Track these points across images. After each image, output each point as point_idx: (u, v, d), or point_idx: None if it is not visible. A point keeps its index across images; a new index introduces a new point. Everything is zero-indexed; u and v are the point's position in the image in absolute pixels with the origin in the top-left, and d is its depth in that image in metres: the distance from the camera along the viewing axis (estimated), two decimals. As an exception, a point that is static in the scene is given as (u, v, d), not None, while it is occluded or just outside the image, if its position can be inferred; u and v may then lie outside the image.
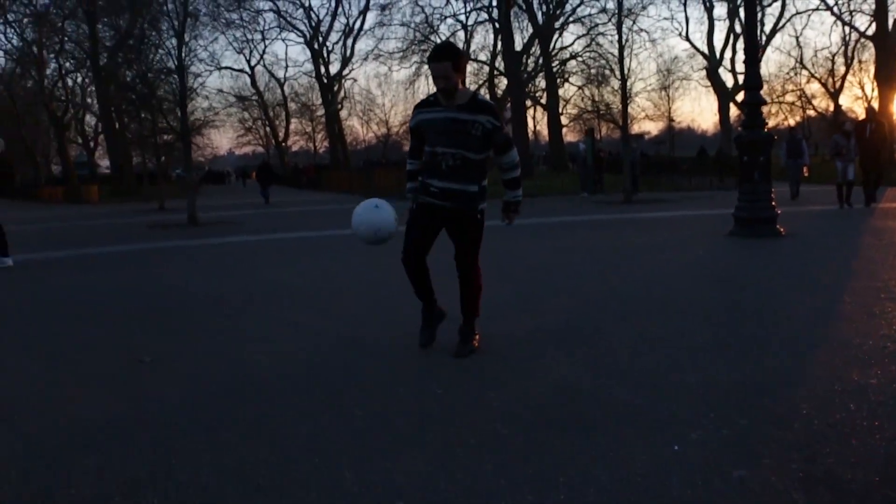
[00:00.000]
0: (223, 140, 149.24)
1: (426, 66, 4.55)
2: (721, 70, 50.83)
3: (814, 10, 53.18)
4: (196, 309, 6.35)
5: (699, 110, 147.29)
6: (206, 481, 2.79)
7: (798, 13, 51.90)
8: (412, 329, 5.03)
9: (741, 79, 50.78)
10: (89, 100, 49.26)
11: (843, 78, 50.32)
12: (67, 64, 46.71)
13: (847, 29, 47.20)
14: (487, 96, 55.23)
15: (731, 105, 50.34)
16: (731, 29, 50.23)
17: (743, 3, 11.04)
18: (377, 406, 3.55)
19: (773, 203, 10.49)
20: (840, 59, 49.77)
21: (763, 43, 46.77)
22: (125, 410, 3.65)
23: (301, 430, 3.27)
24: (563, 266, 8.05)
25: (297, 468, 2.87)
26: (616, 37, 21.66)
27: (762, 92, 10.61)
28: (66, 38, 39.81)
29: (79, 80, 49.47)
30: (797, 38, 72.63)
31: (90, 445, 3.19)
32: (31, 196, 46.80)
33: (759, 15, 47.09)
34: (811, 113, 54.07)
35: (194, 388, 3.98)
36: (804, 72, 50.41)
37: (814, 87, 52.23)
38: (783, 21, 47.49)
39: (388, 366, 4.26)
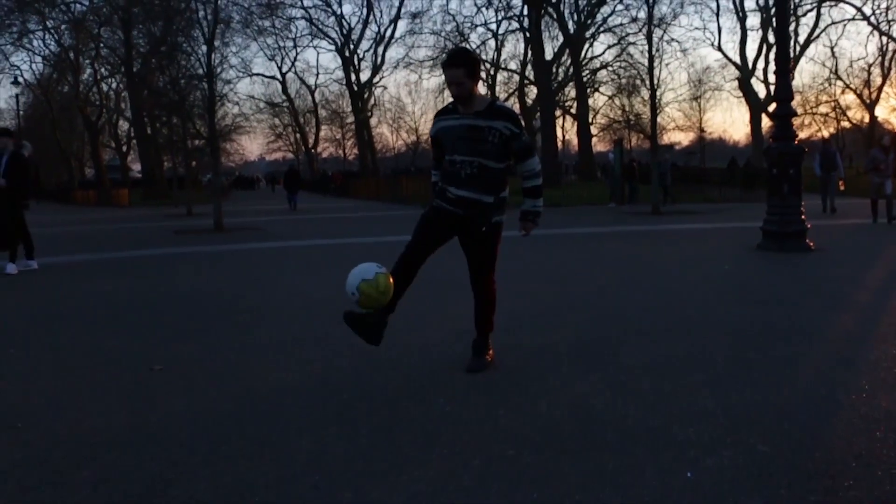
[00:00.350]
0: (254, 146, 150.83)
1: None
2: (753, 81, 50.31)
3: (850, 20, 52.38)
4: (213, 316, 6.31)
5: (731, 121, 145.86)
6: (202, 497, 2.72)
7: (833, 23, 51.14)
8: (427, 341, 4.95)
9: (773, 90, 49.97)
10: (123, 105, 49.89)
11: (880, 89, 49.54)
12: (103, 70, 47.40)
13: (884, 39, 46.50)
14: (517, 106, 55.22)
15: (764, 116, 49.78)
16: (763, 39, 49.68)
17: (774, 14, 10.90)
18: (383, 421, 3.46)
19: (803, 217, 10.28)
20: (876, 70, 49.02)
21: (797, 53, 46.18)
22: (130, 421, 3.59)
23: (304, 445, 3.19)
24: (584, 278, 7.91)
25: (296, 486, 2.79)
26: (646, 47, 21.52)
27: (795, 103, 10.40)
28: (101, 45, 40.36)
29: (113, 85, 50.15)
30: (832, 48, 71.43)
31: (90, 457, 3.13)
32: (65, 199, 47.53)
33: (794, 25, 46.60)
34: (845, 124, 53.26)
35: (202, 399, 3.92)
36: (839, 82, 49.72)
37: (849, 98, 51.48)
38: (818, 31, 46.86)
39: (399, 379, 4.17)
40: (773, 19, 47.33)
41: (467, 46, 41.74)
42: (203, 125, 18.74)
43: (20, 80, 45.04)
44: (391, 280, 3.95)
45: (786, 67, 10.31)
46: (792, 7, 45.91)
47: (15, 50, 45.07)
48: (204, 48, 18.23)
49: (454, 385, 3.99)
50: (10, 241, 9.53)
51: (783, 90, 10.23)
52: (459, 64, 4.03)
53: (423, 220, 4.25)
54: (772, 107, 40.29)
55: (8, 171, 9.38)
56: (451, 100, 4.23)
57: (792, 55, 47.23)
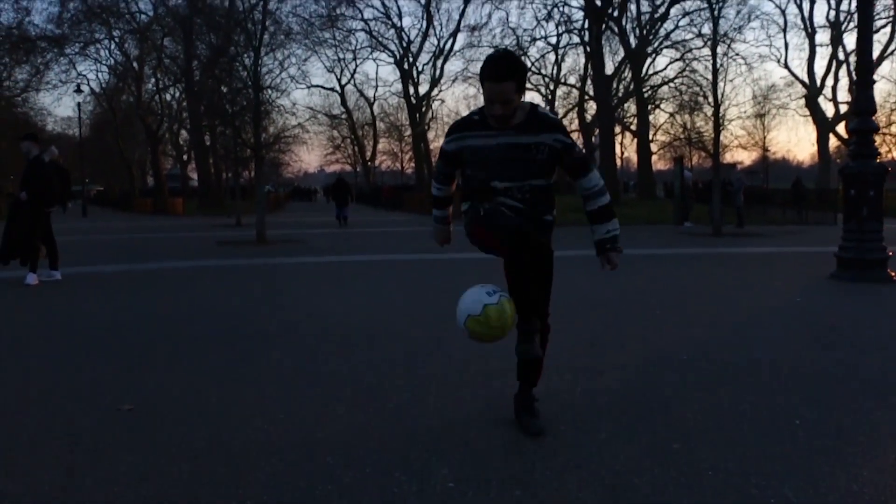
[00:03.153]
0: (312, 157, 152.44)
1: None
2: (821, 99, 48.49)
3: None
4: (213, 341, 5.68)
5: (796, 140, 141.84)
6: None
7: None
8: (443, 391, 4.23)
9: (842, 108, 48.46)
10: (183, 114, 50.46)
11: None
12: (165, 79, 47.99)
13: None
14: (576, 122, 54.29)
15: (831, 136, 47.94)
16: (833, 56, 47.92)
17: (857, 19, 9.95)
18: (367, 500, 2.75)
19: (884, 244, 9.28)
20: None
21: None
22: (59, 489, 2.95)
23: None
24: (638, 308, 7.08)
25: None
26: (709, 62, 20.56)
27: None
28: (164, 55, 40.81)
29: (175, 95, 50.78)
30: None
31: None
32: (125, 206, 48.23)
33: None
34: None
35: (158, 455, 3.26)
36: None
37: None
38: (892, 46, 44.81)
39: (398, 440, 3.45)
40: (845, 35, 45.65)
41: (526, 61, 41.19)
42: (251, 135, 18.40)
43: (83, 88, 45.79)
44: (508, 305, 3.17)
45: (868, 79, 9.34)
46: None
47: (83, 59, 46.14)
48: (252, 57, 17.90)
49: (465, 450, 3.26)
50: (21, 251, 9.14)
51: (865, 102, 9.26)
52: (510, 76, 3.20)
53: (510, 256, 3.28)
54: (840, 126, 38.65)
55: (25, 179, 9.04)
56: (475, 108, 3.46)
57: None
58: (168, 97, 51.58)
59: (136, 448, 3.29)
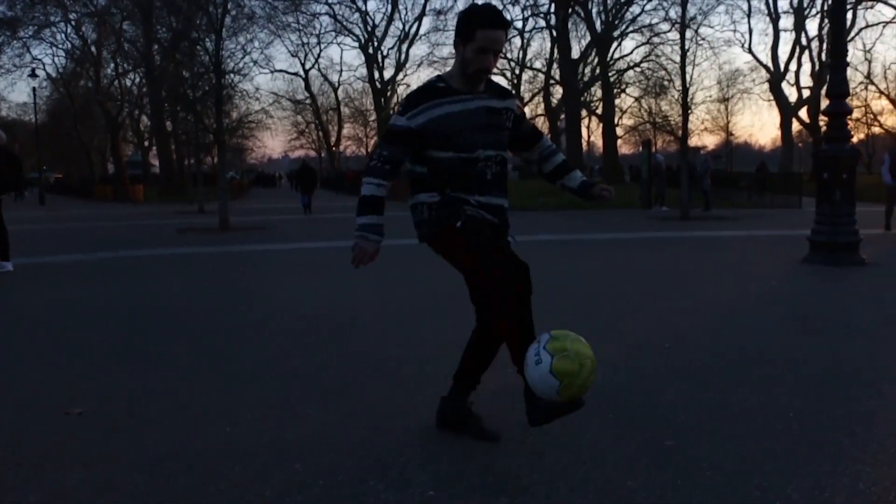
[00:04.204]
0: (276, 143, 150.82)
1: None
2: (784, 84, 48.93)
3: (888, 22, 50.85)
4: (175, 337, 5.38)
5: (760, 125, 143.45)
6: None
7: (868, 25, 49.57)
8: (418, 388, 4.00)
9: (805, 93, 48.96)
10: (144, 100, 49.39)
11: (914, 95, 48.15)
12: (125, 64, 46.89)
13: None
14: (542, 105, 54.11)
15: (794, 120, 48.45)
16: (796, 41, 48.32)
17: (831, 1, 9.84)
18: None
19: (857, 227, 9.22)
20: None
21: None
22: None
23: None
24: (614, 295, 6.91)
25: None
26: (676, 47, 20.51)
27: (823, 107, 9.31)
28: (123, 39, 39.80)
29: (135, 80, 49.65)
30: (866, 52, 69.72)
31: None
32: (85, 194, 47.17)
33: (826, 28, 45.19)
34: (876, 130, 51.97)
35: (115, 463, 2.99)
36: (871, 87, 48.25)
37: (881, 104, 50.10)
38: (852, 34, 45.27)
39: (371, 446, 3.22)
40: (808, 21, 45.98)
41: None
42: (213, 120, 17.92)
43: (38, 72, 44.53)
44: (570, 345, 2.67)
45: (841, 61, 9.24)
46: (824, 9, 44.61)
47: (38, 43, 44.83)
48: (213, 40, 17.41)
49: (445, 454, 3.03)
50: None
51: (838, 85, 9.16)
52: (508, 24, 2.97)
53: (485, 242, 2.93)
54: (803, 111, 39.06)
55: None
56: (433, 77, 3.07)
57: (823, 59, 46.05)
58: (128, 82, 50.45)
59: (87, 458, 3.01)
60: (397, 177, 3.04)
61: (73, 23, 42.41)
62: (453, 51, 3.01)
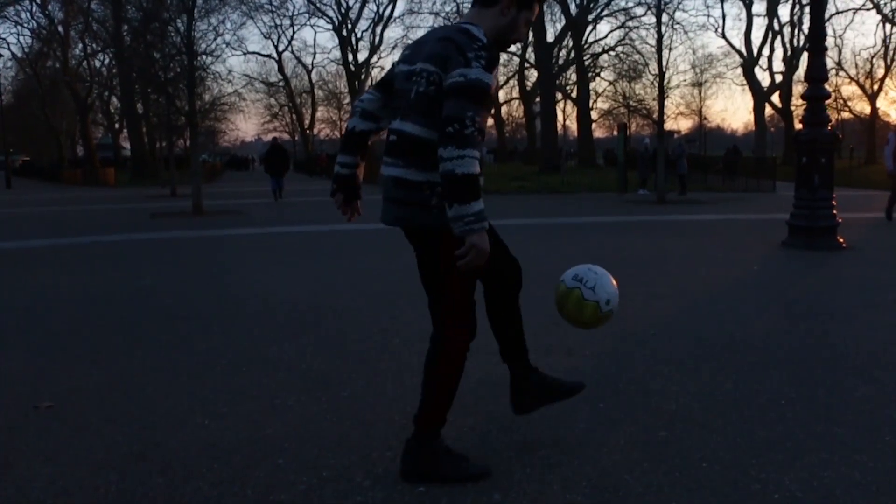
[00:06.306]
0: (249, 126, 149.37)
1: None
2: (757, 69, 49.22)
3: (857, 9, 51.33)
4: (148, 327, 5.22)
5: (734, 109, 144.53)
6: None
7: (838, 12, 50.00)
8: (401, 377, 3.90)
9: (778, 78, 49.30)
10: (114, 82, 48.52)
11: (882, 81, 48.84)
12: (94, 45, 46.01)
13: (889, 29, 45.47)
14: (517, 89, 53.92)
15: (766, 105, 48.81)
16: (769, 27, 48.58)
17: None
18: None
19: (835, 211, 9.24)
20: (879, 62, 48.29)
21: (802, 44, 45.06)
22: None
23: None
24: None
25: None
26: (652, 30, 20.49)
27: (796, 92, 9.30)
28: (91, 19, 38.98)
29: (105, 61, 48.74)
30: (836, 38, 70.38)
31: None
32: (53, 177, 46.31)
33: (798, 14, 45.50)
34: (846, 115, 52.62)
35: (85, 460, 2.86)
36: (842, 73, 48.77)
37: (850, 89, 50.74)
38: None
39: (359, 434, 3.11)
40: (780, 6, 46.15)
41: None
42: (185, 102, 17.57)
43: (2, 52, 43.59)
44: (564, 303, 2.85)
45: (820, 45, 9.21)
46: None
47: (1, 21, 43.84)
48: (185, 20, 17.05)
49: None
50: None
51: (817, 69, 9.14)
52: None
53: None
54: (775, 96, 39.37)
55: None
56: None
57: (795, 44, 46.45)
58: (97, 63, 49.52)
59: (55, 455, 2.88)
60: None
61: (38, 1, 41.57)
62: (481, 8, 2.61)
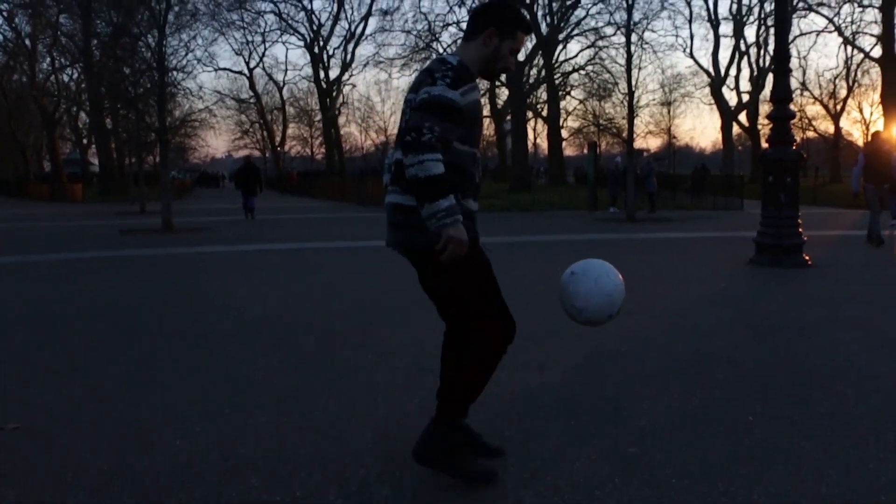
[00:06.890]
0: (220, 143, 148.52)
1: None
2: (724, 89, 50.12)
3: (820, 31, 52.64)
4: (117, 345, 5.17)
5: (702, 128, 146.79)
6: None
7: (802, 34, 51.23)
8: (373, 394, 3.90)
9: (745, 97, 50.24)
10: (82, 96, 48.06)
11: (845, 101, 49.98)
12: (62, 59, 45.58)
13: (850, 51, 46.56)
14: (488, 107, 54.37)
15: (734, 124, 49.67)
16: (736, 47, 49.57)
17: (774, 7, 10.01)
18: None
19: (801, 229, 9.41)
20: (841, 83, 49.42)
21: (768, 65, 46.00)
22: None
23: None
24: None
25: None
26: (621, 50, 20.80)
27: (761, 112, 9.51)
28: (60, 33, 38.64)
29: (73, 75, 48.28)
30: (800, 59, 71.92)
31: None
32: (19, 193, 45.65)
33: (763, 35, 46.46)
34: (811, 134, 53.70)
35: (53, 482, 2.83)
36: (806, 94, 49.81)
37: (814, 110, 51.82)
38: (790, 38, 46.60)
39: (332, 452, 3.11)
40: (746, 28, 47.17)
41: (438, 46, 40.90)
42: (155, 118, 17.48)
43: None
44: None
45: (785, 66, 9.42)
46: (762, 16, 45.82)
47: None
48: (156, 35, 16.98)
49: (406, 465, 2.93)
50: None
51: (782, 90, 9.33)
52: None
53: (482, 265, 2.76)
54: (742, 115, 40.25)
55: None
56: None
57: (761, 64, 47.40)
58: (65, 77, 49.04)
59: (22, 477, 2.84)
60: None
61: (4, 14, 41.12)
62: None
